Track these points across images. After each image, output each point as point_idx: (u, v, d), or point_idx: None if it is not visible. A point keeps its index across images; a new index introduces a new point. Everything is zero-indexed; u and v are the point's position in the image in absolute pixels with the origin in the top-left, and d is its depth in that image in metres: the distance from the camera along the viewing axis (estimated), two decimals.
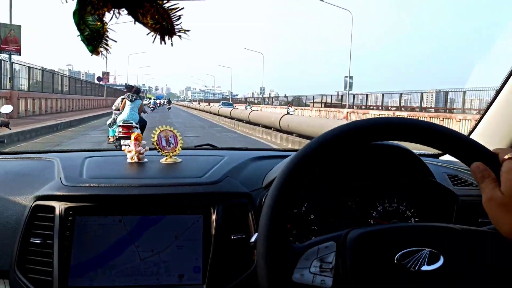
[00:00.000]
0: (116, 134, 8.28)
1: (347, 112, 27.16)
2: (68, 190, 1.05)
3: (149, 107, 37.61)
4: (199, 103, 66.56)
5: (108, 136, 9.27)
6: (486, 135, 1.32)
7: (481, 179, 0.69)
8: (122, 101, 8.74)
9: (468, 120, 16.70)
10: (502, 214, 0.65)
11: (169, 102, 53.47)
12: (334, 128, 0.74)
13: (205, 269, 1.03)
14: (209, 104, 52.73)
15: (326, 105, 36.64)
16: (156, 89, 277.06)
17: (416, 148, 1.06)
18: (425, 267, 0.68)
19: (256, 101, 62.70)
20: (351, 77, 30.98)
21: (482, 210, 1.14)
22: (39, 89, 25.33)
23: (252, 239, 0.76)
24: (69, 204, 1.03)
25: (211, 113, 33.27)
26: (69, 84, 33.09)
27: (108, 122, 9.23)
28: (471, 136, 1.39)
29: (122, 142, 7.75)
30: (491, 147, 0.74)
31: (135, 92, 8.86)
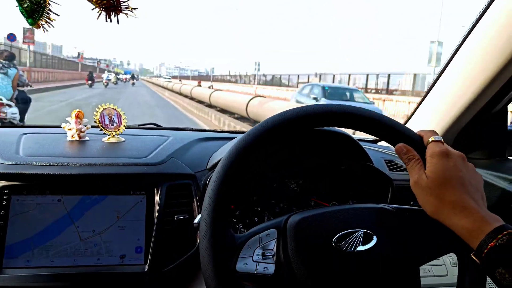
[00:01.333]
0: None
1: None
2: (3, 168, 1.01)
3: (103, 83, 36.37)
4: (180, 80, 63.67)
5: None
6: (421, 123, 1.40)
7: (407, 161, 0.74)
8: None
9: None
10: (426, 197, 0.70)
11: (132, 77, 52.07)
12: (280, 113, 0.76)
13: (147, 250, 1.03)
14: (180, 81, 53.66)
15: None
16: (128, 64, 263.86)
17: (356, 134, 1.10)
18: (360, 248, 0.72)
19: (234, 79, 60.99)
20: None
21: (413, 194, 1.21)
22: None
23: (196, 220, 0.77)
24: (4, 183, 0.99)
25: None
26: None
27: None
28: (408, 124, 1.47)
29: None
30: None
31: (6, 58, 6.96)
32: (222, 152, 1.20)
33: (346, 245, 0.72)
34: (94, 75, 39.71)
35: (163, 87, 42.86)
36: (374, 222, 0.75)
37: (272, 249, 0.71)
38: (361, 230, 0.73)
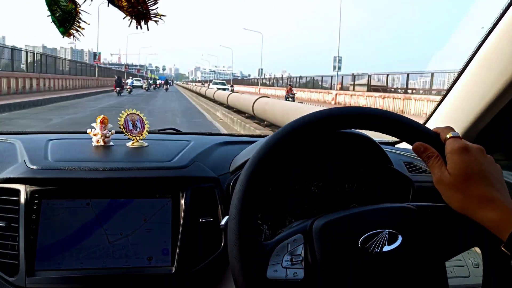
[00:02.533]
0: None
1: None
2: (34, 172, 1.04)
3: (127, 89, 32.86)
4: (202, 85, 58.27)
5: None
6: (441, 123, 1.40)
7: (427, 159, 0.74)
8: None
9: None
10: (451, 193, 0.71)
11: (166, 83, 50.94)
12: (305, 115, 0.77)
13: (173, 252, 1.04)
14: (203, 85, 48.55)
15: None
16: (164, 69, 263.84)
17: (376, 136, 1.11)
18: (386, 248, 0.72)
19: (268, 82, 57.99)
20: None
21: (434, 195, 1.21)
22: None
23: (223, 222, 0.78)
24: (34, 187, 1.02)
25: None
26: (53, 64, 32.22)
27: None
28: (427, 124, 1.47)
29: None
30: None
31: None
32: (244, 155, 1.21)
33: (372, 246, 0.72)
34: (125, 81, 37.11)
35: (213, 100, 24.15)
36: (398, 222, 0.75)
37: (300, 254, 0.72)
38: (386, 230, 0.74)
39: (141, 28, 0.75)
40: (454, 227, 0.74)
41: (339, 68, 31.02)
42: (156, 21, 0.75)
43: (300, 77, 43.73)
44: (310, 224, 0.75)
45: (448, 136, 0.74)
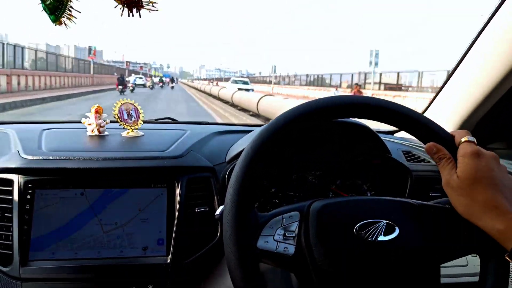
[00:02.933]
0: None
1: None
2: (27, 162, 1.03)
3: (129, 87, 30.72)
4: (209, 83, 54.47)
5: None
6: (439, 113, 1.39)
7: (438, 160, 0.73)
8: None
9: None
10: (458, 197, 0.70)
11: (172, 80, 51.82)
12: (300, 104, 0.76)
13: (169, 241, 1.04)
14: (217, 84, 43.40)
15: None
16: (168, 67, 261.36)
17: (373, 125, 1.10)
18: (381, 237, 0.72)
19: (275, 80, 54.24)
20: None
21: (433, 184, 1.21)
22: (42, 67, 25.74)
23: (217, 212, 0.78)
24: (28, 177, 1.01)
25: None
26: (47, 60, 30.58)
27: None
28: (426, 113, 1.46)
29: None
30: (443, 125, 0.78)
31: None
32: (240, 144, 1.20)
33: (367, 234, 0.72)
34: (127, 79, 35.15)
35: (232, 104, 19.69)
36: (397, 215, 0.75)
37: (294, 231, 0.72)
38: (384, 221, 0.73)
39: (133, 15, 0.73)
40: (455, 232, 0.74)
41: (376, 64, 27.11)
42: (148, 9, 0.74)
43: (307, 75, 42.79)
44: (308, 204, 0.75)
45: (463, 140, 0.73)
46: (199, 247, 1.06)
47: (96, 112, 1.25)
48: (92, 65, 43.26)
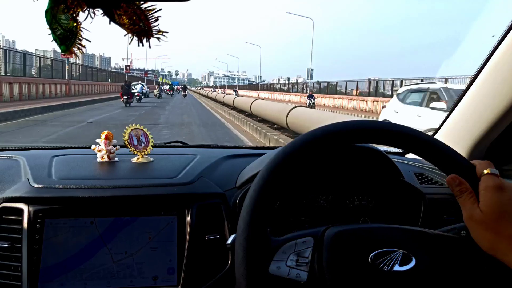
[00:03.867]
0: None
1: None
2: (37, 191, 1.02)
3: (135, 97, 26.02)
4: (224, 90, 53.06)
5: None
6: (451, 134, 1.37)
7: (459, 193, 0.71)
8: None
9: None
10: (481, 231, 0.68)
11: (184, 88, 44.95)
12: (317, 128, 0.75)
13: (179, 270, 1.02)
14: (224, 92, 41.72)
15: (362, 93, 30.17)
16: (177, 74, 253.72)
17: (382, 146, 1.09)
18: (397, 268, 0.70)
19: (286, 87, 53.38)
20: None
21: (447, 207, 1.18)
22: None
23: (229, 241, 0.76)
24: (38, 206, 1.00)
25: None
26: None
27: None
28: (437, 135, 1.44)
29: None
30: (456, 146, 0.76)
31: None
32: (251, 169, 1.19)
33: (383, 264, 0.70)
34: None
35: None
36: (414, 244, 0.73)
37: (307, 257, 0.71)
38: (400, 250, 0.71)
39: (142, 45, 0.73)
40: (473, 263, 0.71)
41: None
42: (158, 38, 0.74)
43: (318, 82, 41.89)
44: (323, 230, 0.74)
45: (485, 171, 0.71)
46: (210, 275, 1.03)
47: (106, 138, 1.25)
48: (67, 66, 31.47)
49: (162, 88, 44.79)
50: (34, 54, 28.81)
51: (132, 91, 24.82)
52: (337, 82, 38.17)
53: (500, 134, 1.24)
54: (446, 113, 1.41)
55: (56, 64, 29.41)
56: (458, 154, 0.75)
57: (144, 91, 28.50)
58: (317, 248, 0.71)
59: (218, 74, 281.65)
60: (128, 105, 23.13)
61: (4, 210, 1.00)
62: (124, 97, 23.26)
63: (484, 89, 1.22)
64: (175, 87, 55.94)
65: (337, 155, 1.15)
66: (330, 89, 38.22)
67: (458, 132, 1.33)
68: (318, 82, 42.70)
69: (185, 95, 42.29)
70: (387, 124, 0.76)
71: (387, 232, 0.75)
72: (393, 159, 1.17)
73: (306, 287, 0.69)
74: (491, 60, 1.17)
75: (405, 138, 0.75)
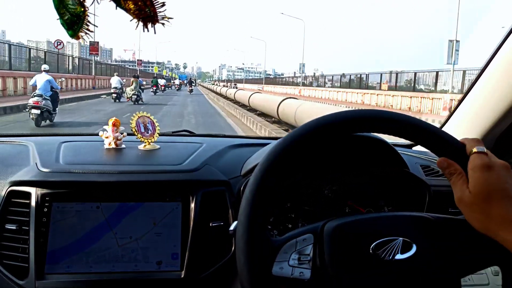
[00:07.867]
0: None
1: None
2: (45, 175, 1.04)
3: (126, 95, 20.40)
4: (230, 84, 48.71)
5: None
6: (459, 127, 1.36)
7: (449, 176, 0.71)
8: None
9: None
10: (472, 213, 0.67)
11: (190, 83, 41.26)
12: (318, 118, 0.75)
13: (183, 256, 1.03)
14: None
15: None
16: (185, 67, 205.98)
17: (390, 139, 1.08)
18: (398, 256, 0.70)
19: (304, 81, 46.34)
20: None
21: (452, 200, 1.18)
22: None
23: (231, 228, 0.77)
24: (45, 190, 1.02)
25: None
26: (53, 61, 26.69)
27: None
28: (445, 127, 1.43)
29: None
30: (464, 137, 0.75)
31: None
32: (256, 158, 1.20)
33: (384, 253, 0.70)
34: (144, 82, 27.81)
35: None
36: (413, 231, 0.73)
37: (309, 254, 0.71)
38: (400, 238, 0.71)
39: (148, 30, 0.74)
40: (473, 244, 0.71)
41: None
42: (163, 24, 0.75)
43: (343, 75, 37.89)
44: (321, 225, 0.73)
45: (473, 150, 0.70)
46: (214, 261, 1.05)
47: (114, 125, 1.26)
48: (29, 53, 25.36)
49: (159, 82, 34.60)
50: (42, 49, 27.86)
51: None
52: (361, 75, 34.90)
53: (509, 125, 1.23)
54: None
55: (49, 56, 26.94)
56: (448, 135, 0.74)
57: (121, 85, 21.70)
58: (317, 244, 0.71)
59: (231, 66, 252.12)
60: (136, 102, 20.54)
61: (13, 193, 1.02)
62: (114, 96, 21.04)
63: (493, 80, 1.21)
64: (181, 81, 51.53)
65: (343, 145, 1.15)
66: (356, 82, 34.89)
67: (466, 123, 1.32)
68: (343, 75, 40.23)
69: (191, 91, 37.65)
70: (379, 112, 0.76)
71: (385, 221, 0.75)
72: (399, 151, 1.17)
73: (310, 285, 0.69)
74: (501, 51, 1.15)
75: (394, 123, 0.75)
